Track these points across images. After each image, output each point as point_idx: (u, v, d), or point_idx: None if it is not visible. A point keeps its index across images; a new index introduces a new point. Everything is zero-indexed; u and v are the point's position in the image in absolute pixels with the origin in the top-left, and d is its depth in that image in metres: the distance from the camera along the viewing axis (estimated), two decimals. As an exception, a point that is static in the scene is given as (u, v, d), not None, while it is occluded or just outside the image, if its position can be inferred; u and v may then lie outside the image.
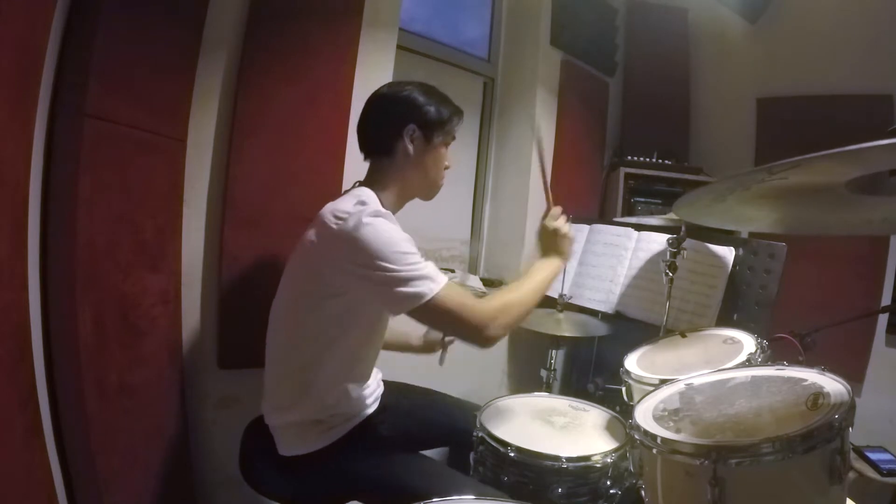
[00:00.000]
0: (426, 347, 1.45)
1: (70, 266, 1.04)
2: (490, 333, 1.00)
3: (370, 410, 1.16)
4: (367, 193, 1.09)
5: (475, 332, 1.00)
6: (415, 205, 1.25)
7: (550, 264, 1.20)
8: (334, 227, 1.00)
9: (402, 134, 1.12)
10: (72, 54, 1.05)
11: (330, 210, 1.04)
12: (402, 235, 1.01)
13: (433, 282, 0.99)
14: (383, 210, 1.04)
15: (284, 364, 1.09)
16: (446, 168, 1.22)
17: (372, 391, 1.18)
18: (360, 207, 1.02)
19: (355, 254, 0.98)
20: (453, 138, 1.21)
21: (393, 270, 0.97)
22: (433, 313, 0.99)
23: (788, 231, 1.25)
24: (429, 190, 1.22)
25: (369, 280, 0.98)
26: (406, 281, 0.97)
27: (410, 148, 1.13)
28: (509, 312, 1.05)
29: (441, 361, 1.38)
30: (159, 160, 1.23)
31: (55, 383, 1.07)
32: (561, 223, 1.24)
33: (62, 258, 1.05)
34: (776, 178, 0.85)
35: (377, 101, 1.17)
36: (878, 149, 0.70)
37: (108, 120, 1.08)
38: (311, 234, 1.07)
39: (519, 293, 1.09)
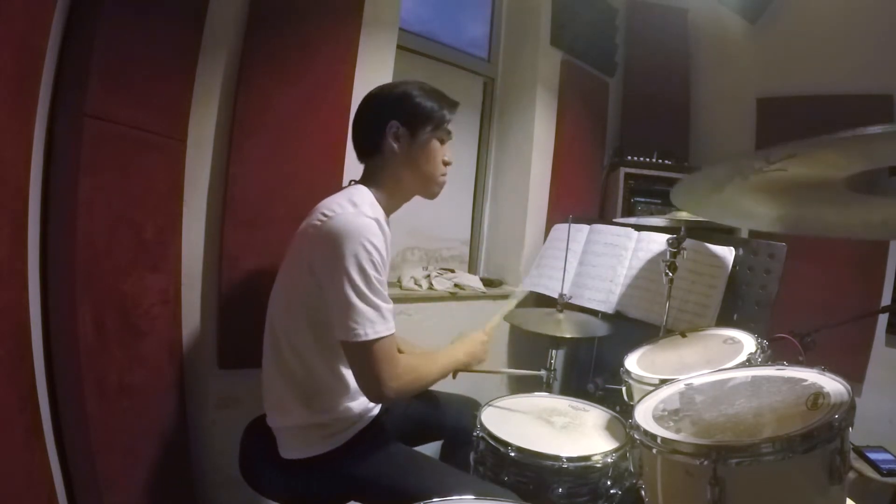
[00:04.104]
0: None
1: (70, 266, 1.04)
2: (387, 394, 0.99)
3: (373, 414, 1.15)
4: (362, 192, 1.08)
5: (378, 386, 0.99)
6: (415, 205, 1.24)
7: (459, 358, 1.21)
8: (318, 223, 1.00)
9: (385, 132, 1.10)
10: (72, 54, 1.05)
11: (320, 207, 1.04)
12: (380, 254, 0.99)
13: (381, 324, 0.97)
14: (373, 213, 1.02)
15: (282, 367, 1.08)
16: (447, 164, 1.17)
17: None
18: (349, 209, 1.01)
19: (328, 254, 0.96)
20: (447, 132, 1.16)
21: (354, 288, 0.95)
22: (359, 353, 0.97)
23: (788, 231, 1.25)
24: (426, 187, 1.17)
25: (332, 286, 0.96)
26: (356, 311, 0.95)
27: (395, 146, 1.10)
28: (411, 383, 1.06)
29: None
30: (159, 160, 1.23)
31: (55, 383, 1.07)
32: (487, 344, 1.28)
33: (62, 258, 1.05)
34: (775, 169, 0.85)
35: (363, 102, 1.17)
36: (878, 140, 0.70)
37: (108, 120, 1.08)
38: (300, 230, 1.06)
39: (427, 367, 1.11)
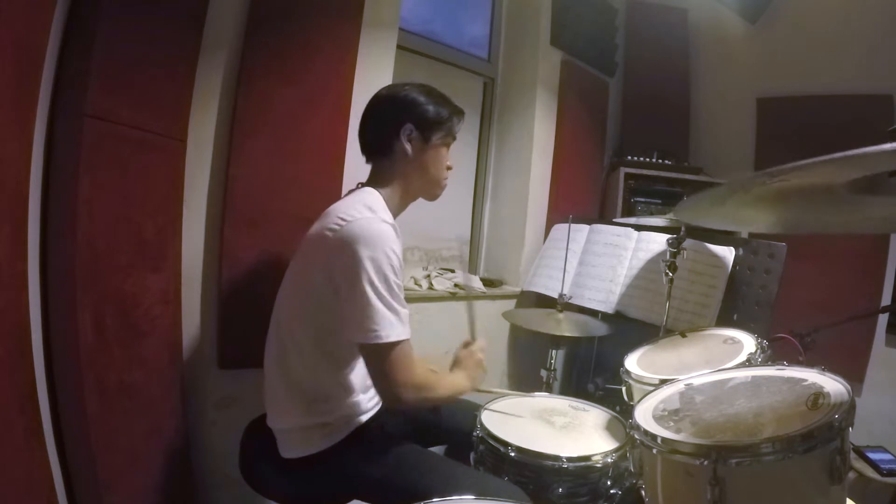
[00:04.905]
0: None
1: (70, 266, 1.04)
2: (404, 398, 1.01)
3: (372, 413, 1.15)
4: (374, 197, 1.09)
5: (395, 390, 1.00)
6: (415, 205, 1.24)
7: (463, 382, 1.19)
8: (336, 227, 1.00)
9: (399, 134, 1.11)
10: (72, 54, 1.05)
11: (335, 211, 1.04)
12: (399, 259, 1.01)
13: (400, 328, 0.99)
14: (389, 219, 1.04)
15: (287, 371, 1.08)
16: (449, 169, 1.21)
17: (374, 394, 1.18)
18: (366, 213, 1.01)
19: (349, 259, 0.97)
20: (454, 139, 1.20)
21: (375, 291, 0.96)
22: (378, 356, 0.99)
23: (788, 231, 1.25)
24: (431, 190, 1.21)
25: (352, 290, 0.97)
26: (378, 313, 0.96)
27: (408, 148, 1.12)
28: (426, 395, 1.06)
29: None
30: (159, 160, 1.23)
31: (55, 383, 1.07)
32: (483, 355, 1.26)
33: (62, 258, 1.05)
34: (776, 181, 0.85)
35: (375, 103, 1.17)
36: (879, 151, 0.70)
37: (108, 120, 1.08)
38: (313, 233, 1.06)
39: (442, 387, 1.12)
